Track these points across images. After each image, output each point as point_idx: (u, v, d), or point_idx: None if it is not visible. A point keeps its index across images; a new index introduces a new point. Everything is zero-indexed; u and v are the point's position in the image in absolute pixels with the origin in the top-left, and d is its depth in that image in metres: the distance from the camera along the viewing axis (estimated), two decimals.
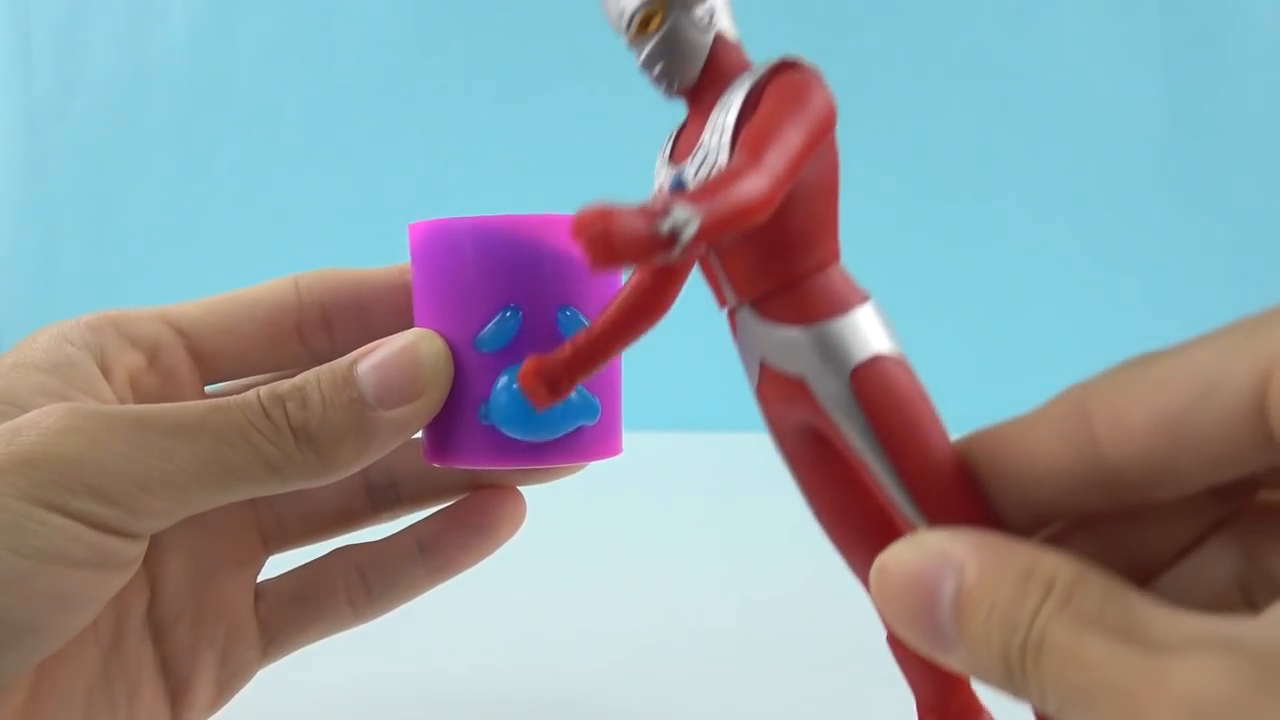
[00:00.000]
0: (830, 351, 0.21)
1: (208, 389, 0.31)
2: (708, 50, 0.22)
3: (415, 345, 0.26)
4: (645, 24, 0.22)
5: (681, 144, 0.23)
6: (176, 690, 0.29)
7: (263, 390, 0.25)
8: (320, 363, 0.26)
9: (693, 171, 0.22)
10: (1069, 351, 1.03)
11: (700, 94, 0.23)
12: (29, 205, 1.21)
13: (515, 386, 0.25)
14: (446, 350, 0.26)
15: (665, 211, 0.17)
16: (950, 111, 1.03)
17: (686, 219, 0.17)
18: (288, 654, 0.32)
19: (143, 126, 1.17)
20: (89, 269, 1.20)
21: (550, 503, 0.35)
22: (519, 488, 0.32)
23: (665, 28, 0.22)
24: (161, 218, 1.17)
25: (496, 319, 0.26)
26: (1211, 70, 1.00)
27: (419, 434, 0.28)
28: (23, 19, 1.19)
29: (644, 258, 0.17)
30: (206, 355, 0.30)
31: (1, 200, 1.21)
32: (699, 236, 0.17)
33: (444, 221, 0.27)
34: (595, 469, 0.30)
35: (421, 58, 1.10)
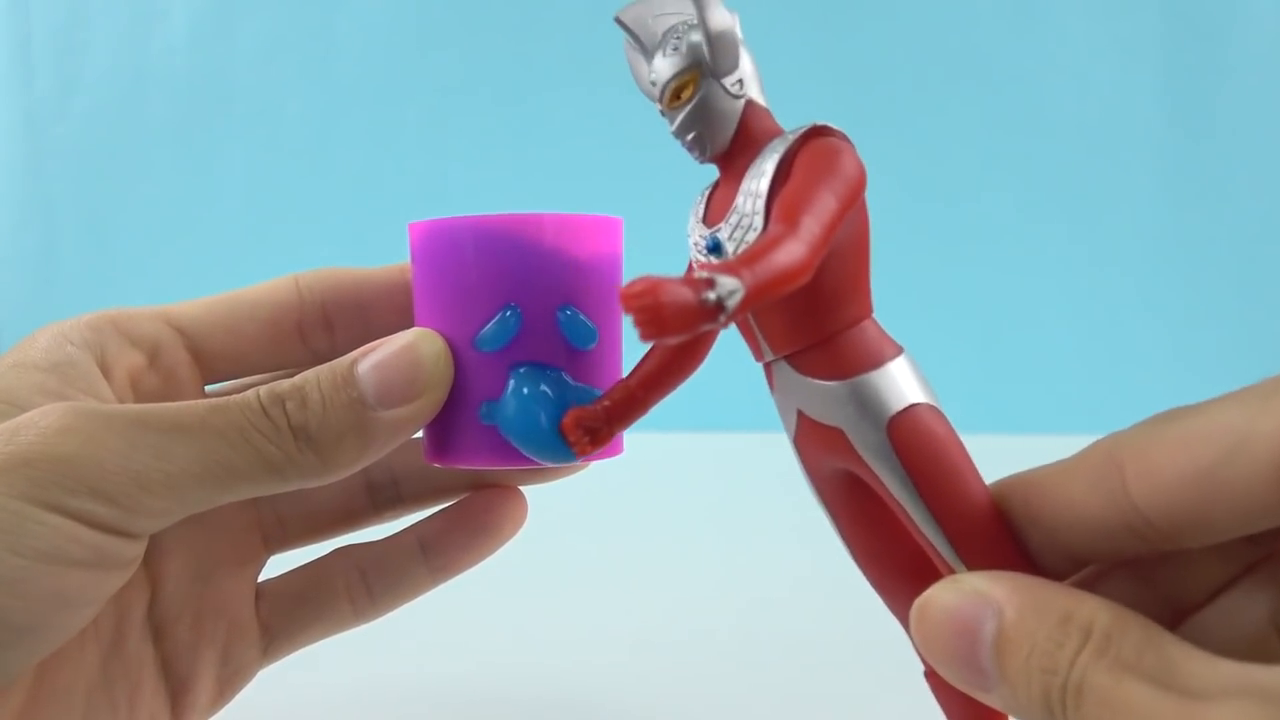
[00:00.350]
0: (867, 403, 0.22)
1: (208, 389, 0.31)
2: (739, 117, 0.23)
3: (415, 345, 0.26)
4: (678, 94, 0.23)
5: (715, 206, 0.24)
6: (177, 690, 0.29)
7: (262, 390, 0.25)
8: (321, 363, 0.26)
9: (727, 234, 0.23)
10: (1069, 352, 1.03)
11: (733, 158, 0.23)
12: (29, 205, 1.21)
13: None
14: (447, 350, 0.26)
15: (711, 283, 0.17)
16: (950, 112, 1.03)
17: (732, 289, 0.18)
18: (288, 654, 0.32)
19: (143, 126, 1.17)
20: (89, 269, 1.20)
21: (551, 503, 0.35)
22: (520, 487, 0.32)
23: (697, 98, 0.23)
24: (161, 218, 1.17)
25: (497, 318, 0.26)
26: (1211, 70, 1.00)
27: (419, 434, 0.28)
28: (23, 19, 1.18)
29: (692, 327, 0.17)
30: (207, 355, 0.30)
31: (1, 200, 1.21)
32: (744, 303, 0.18)
33: (444, 221, 0.27)
34: (595, 469, 0.30)
35: (421, 58, 1.10)
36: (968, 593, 0.19)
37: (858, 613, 0.49)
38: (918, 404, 0.22)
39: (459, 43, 1.09)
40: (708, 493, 0.79)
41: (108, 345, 0.28)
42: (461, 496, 0.32)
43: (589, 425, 0.25)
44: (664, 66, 0.23)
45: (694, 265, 0.24)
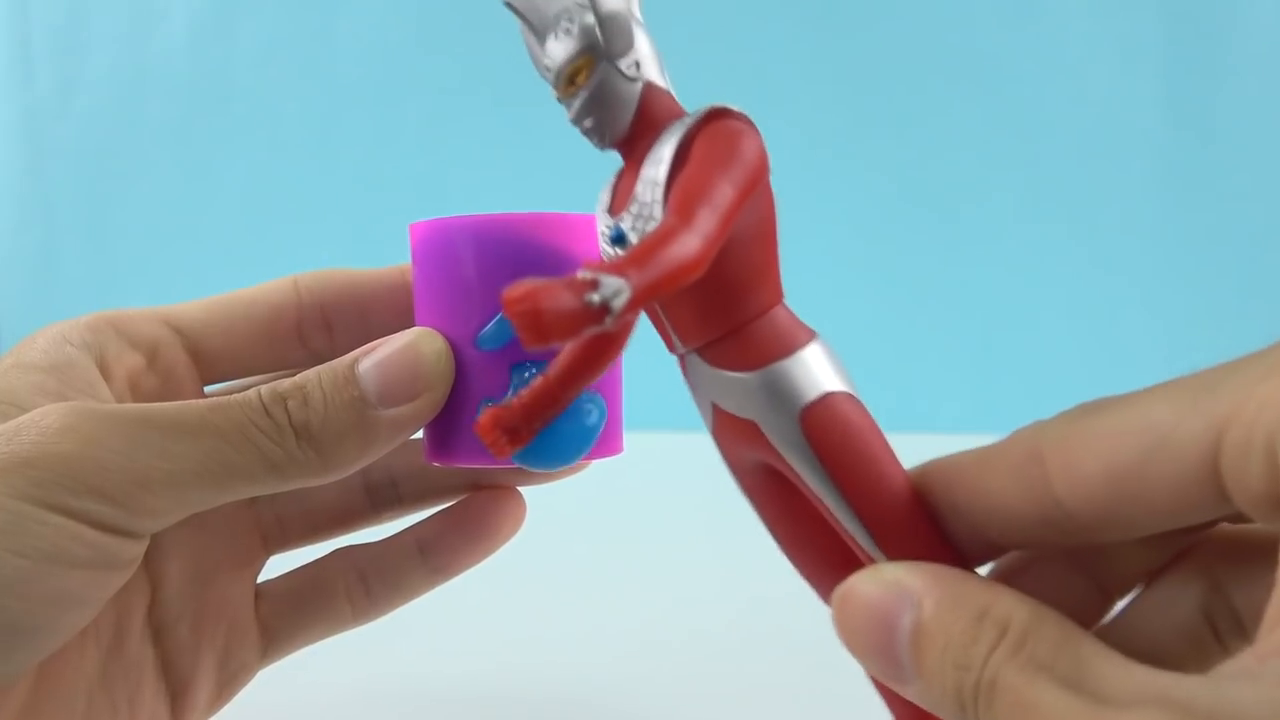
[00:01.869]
0: (779, 394, 0.21)
1: (207, 390, 0.31)
2: (637, 100, 0.22)
3: (416, 344, 0.26)
4: (572, 80, 0.22)
5: (619, 194, 0.23)
6: (177, 691, 0.29)
7: (263, 389, 0.25)
8: (320, 364, 0.26)
9: (629, 224, 0.22)
10: (1069, 353, 1.03)
11: (633, 144, 0.22)
12: (29, 205, 1.21)
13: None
14: (447, 349, 0.26)
15: (594, 284, 0.17)
16: (949, 112, 1.03)
17: (616, 289, 0.17)
18: (287, 655, 0.32)
19: (143, 126, 1.17)
20: (89, 269, 1.20)
21: (550, 503, 0.35)
22: (518, 488, 0.32)
23: (593, 83, 0.22)
24: (161, 218, 1.17)
25: (496, 318, 0.26)
26: (1211, 71, 1.00)
27: (419, 434, 0.28)
28: (23, 19, 1.18)
29: (577, 332, 0.17)
30: (206, 356, 0.30)
31: (1, 200, 1.21)
32: (631, 304, 0.17)
33: (444, 220, 0.27)
34: (595, 469, 0.30)
35: (421, 58, 1.10)
36: (886, 584, 0.19)
37: None
38: (832, 392, 0.21)
39: (459, 43, 1.09)
40: (708, 493, 0.79)
41: (107, 346, 0.28)
42: (460, 497, 0.32)
43: (507, 425, 0.23)
44: (557, 50, 0.22)
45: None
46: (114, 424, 0.23)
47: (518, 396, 0.23)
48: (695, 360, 0.22)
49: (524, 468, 0.26)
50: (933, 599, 0.18)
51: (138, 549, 0.24)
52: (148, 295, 0.32)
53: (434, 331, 0.26)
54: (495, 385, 0.26)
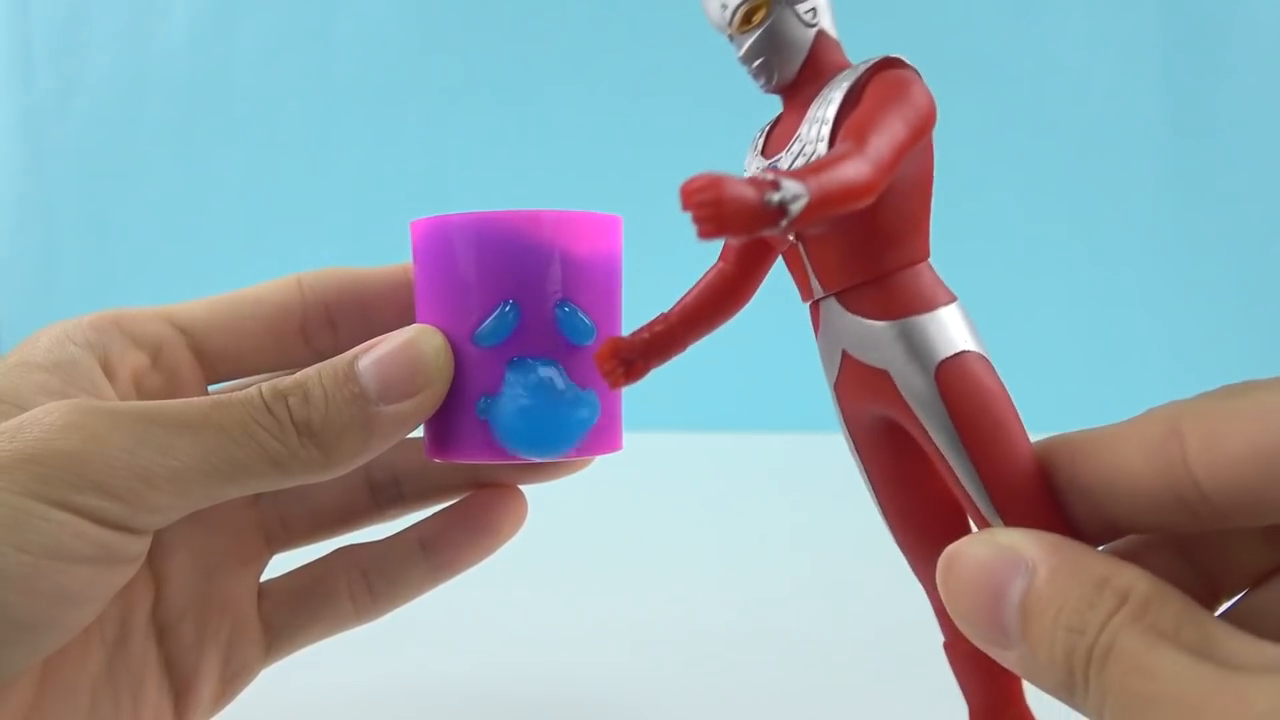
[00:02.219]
0: (916, 346, 0.21)
1: (211, 389, 0.31)
2: (809, 47, 0.23)
3: (416, 340, 0.26)
4: (748, 17, 0.22)
5: (775, 138, 0.23)
6: (180, 689, 0.29)
7: (264, 386, 0.25)
8: None
9: (789, 162, 0.22)
10: (1069, 352, 1.03)
11: (798, 90, 0.23)
12: (29, 205, 1.21)
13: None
14: (447, 345, 0.26)
15: (776, 185, 0.17)
16: (949, 112, 1.02)
17: (797, 194, 0.17)
18: (290, 653, 0.32)
19: (143, 126, 1.17)
20: (89, 269, 1.20)
21: (551, 502, 0.35)
22: (520, 487, 0.32)
23: (769, 22, 0.22)
24: (161, 218, 1.17)
25: (495, 314, 0.26)
26: (1211, 70, 1.00)
27: (421, 432, 0.28)
28: (23, 19, 1.19)
29: (752, 228, 0.17)
30: (210, 355, 0.30)
31: (1, 200, 1.21)
32: (807, 211, 0.17)
33: (444, 217, 0.27)
34: (595, 468, 0.30)
35: (421, 58, 1.10)
36: (1003, 547, 0.18)
37: (857, 612, 0.49)
38: (968, 351, 0.21)
39: (459, 43, 1.09)
40: (708, 493, 0.79)
41: (111, 345, 0.28)
42: (463, 496, 0.32)
43: (625, 356, 0.24)
44: None
45: None
46: (117, 420, 0.23)
47: (640, 332, 0.24)
48: (832, 304, 0.22)
49: (515, 455, 0.26)
50: (1049, 566, 0.18)
51: (141, 545, 0.24)
52: (148, 295, 0.32)
53: (433, 328, 0.26)
54: (492, 381, 0.26)
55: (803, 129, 0.22)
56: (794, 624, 0.48)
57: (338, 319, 0.31)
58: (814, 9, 0.22)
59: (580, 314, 0.26)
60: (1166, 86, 1.01)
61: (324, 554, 0.32)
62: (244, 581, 0.31)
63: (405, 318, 0.29)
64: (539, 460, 0.27)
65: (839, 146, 0.20)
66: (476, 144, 1.09)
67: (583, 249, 0.27)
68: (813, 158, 0.21)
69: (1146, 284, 1.02)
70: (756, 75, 0.23)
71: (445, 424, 0.27)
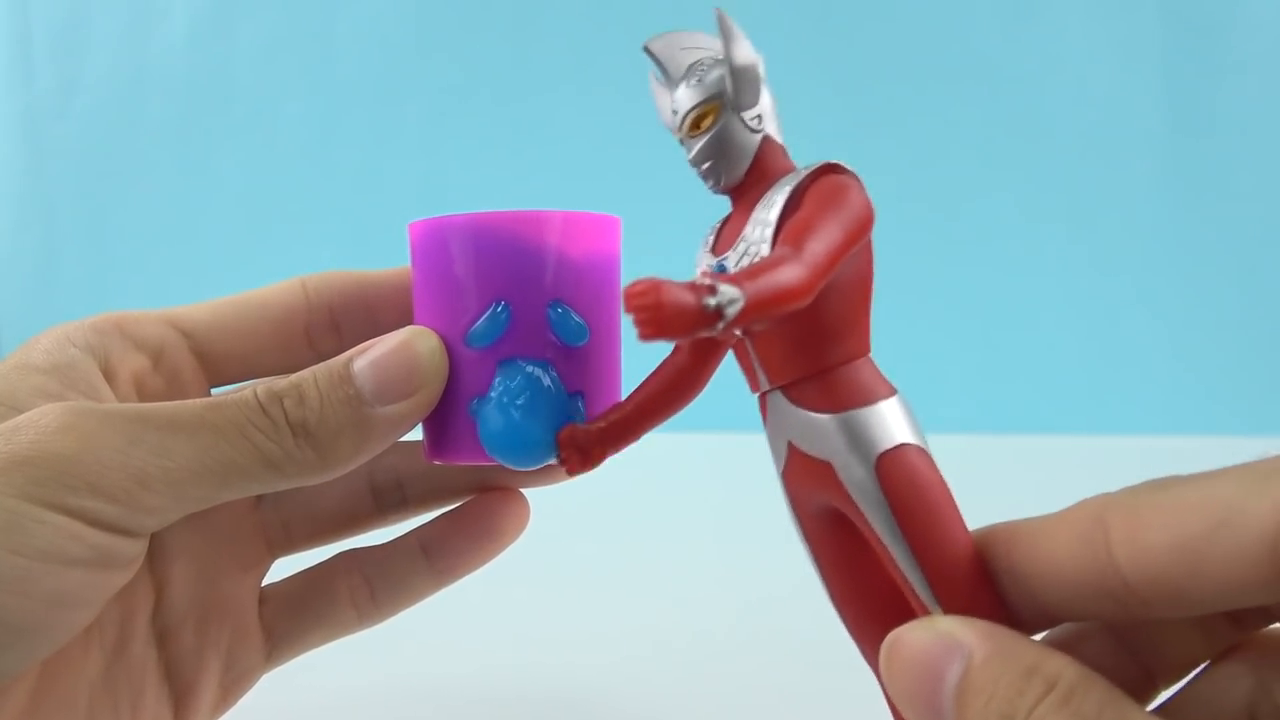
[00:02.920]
0: (857, 438, 0.22)
1: (213, 392, 0.31)
2: (755, 151, 0.24)
3: (411, 342, 0.26)
4: (697, 123, 0.24)
5: (724, 237, 0.24)
6: (180, 695, 0.29)
7: (260, 387, 0.25)
8: None
9: (734, 261, 0.23)
10: (1069, 352, 1.03)
11: (745, 191, 0.24)
12: (29, 205, 1.21)
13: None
14: (441, 346, 0.26)
15: (713, 289, 0.18)
16: (949, 112, 1.03)
17: (733, 298, 0.18)
18: (292, 658, 0.32)
19: (143, 126, 1.17)
20: (89, 269, 1.20)
21: (552, 504, 0.35)
22: (522, 491, 0.32)
23: (716, 128, 0.24)
24: (161, 218, 1.17)
25: (487, 315, 0.26)
26: (1211, 70, 1.00)
27: (421, 434, 0.28)
28: (23, 19, 1.19)
29: (691, 330, 0.18)
30: (212, 358, 0.30)
31: (1, 200, 1.21)
32: (743, 314, 0.18)
33: (439, 218, 0.27)
34: (596, 470, 0.30)
35: (421, 58, 1.10)
36: (939, 633, 0.19)
37: None
38: (907, 444, 0.22)
39: (459, 43, 1.09)
40: (708, 493, 0.79)
41: (112, 348, 0.28)
42: (466, 499, 0.32)
43: (581, 444, 0.25)
44: (686, 95, 0.24)
45: None
46: (112, 422, 0.23)
47: (596, 421, 0.25)
48: (778, 398, 0.23)
49: (501, 464, 0.26)
50: (984, 651, 0.18)
51: (137, 548, 0.24)
52: (148, 295, 0.32)
53: (427, 329, 0.26)
54: (484, 382, 0.26)
55: (748, 229, 0.23)
56: (795, 624, 0.48)
57: (342, 322, 0.31)
58: (759, 116, 0.24)
59: (573, 315, 0.26)
60: (1166, 86, 1.01)
61: (325, 559, 0.32)
62: (245, 587, 0.31)
63: (409, 320, 0.29)
64: (517, 470, 0.26)
65: (777, 250, 0.21)
66: (476, 144, 1.09)
67: (579, 250, 0.26)
68: (756, 258, 0.22)
69: (1146, 284, 1.02)
70: (705, 177, 0.24)
71: (441, 425, 0.27)
